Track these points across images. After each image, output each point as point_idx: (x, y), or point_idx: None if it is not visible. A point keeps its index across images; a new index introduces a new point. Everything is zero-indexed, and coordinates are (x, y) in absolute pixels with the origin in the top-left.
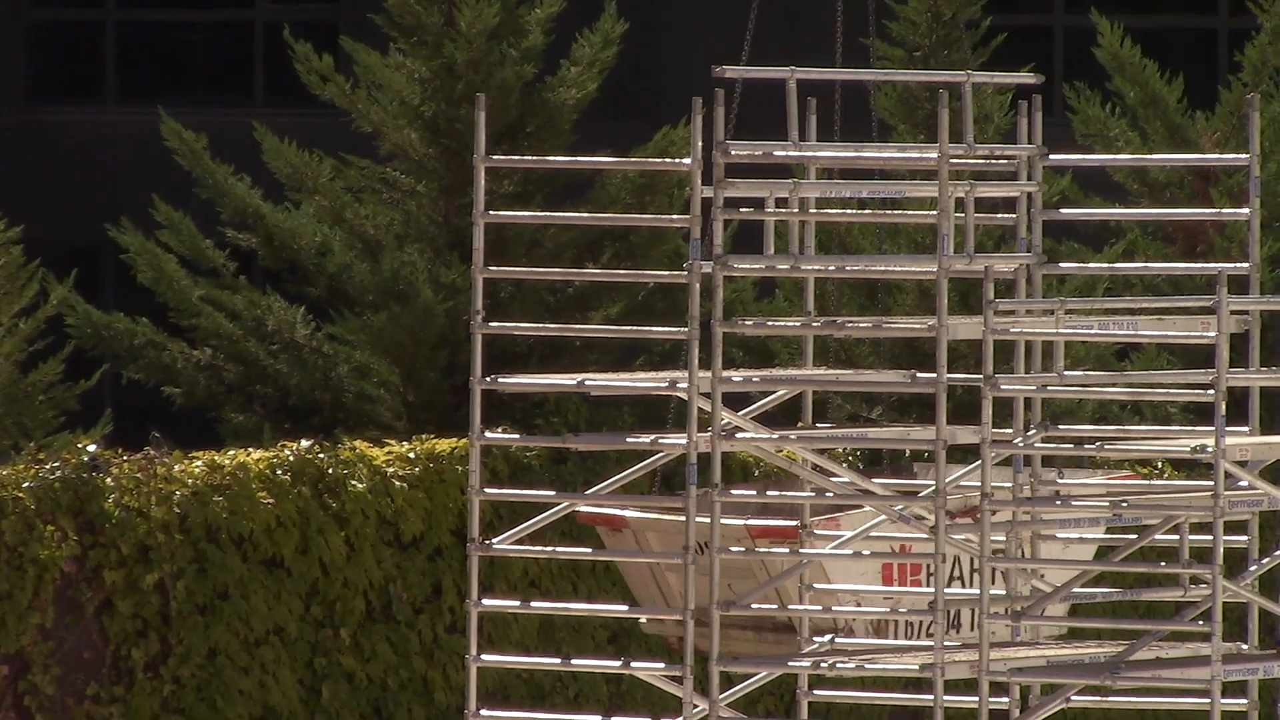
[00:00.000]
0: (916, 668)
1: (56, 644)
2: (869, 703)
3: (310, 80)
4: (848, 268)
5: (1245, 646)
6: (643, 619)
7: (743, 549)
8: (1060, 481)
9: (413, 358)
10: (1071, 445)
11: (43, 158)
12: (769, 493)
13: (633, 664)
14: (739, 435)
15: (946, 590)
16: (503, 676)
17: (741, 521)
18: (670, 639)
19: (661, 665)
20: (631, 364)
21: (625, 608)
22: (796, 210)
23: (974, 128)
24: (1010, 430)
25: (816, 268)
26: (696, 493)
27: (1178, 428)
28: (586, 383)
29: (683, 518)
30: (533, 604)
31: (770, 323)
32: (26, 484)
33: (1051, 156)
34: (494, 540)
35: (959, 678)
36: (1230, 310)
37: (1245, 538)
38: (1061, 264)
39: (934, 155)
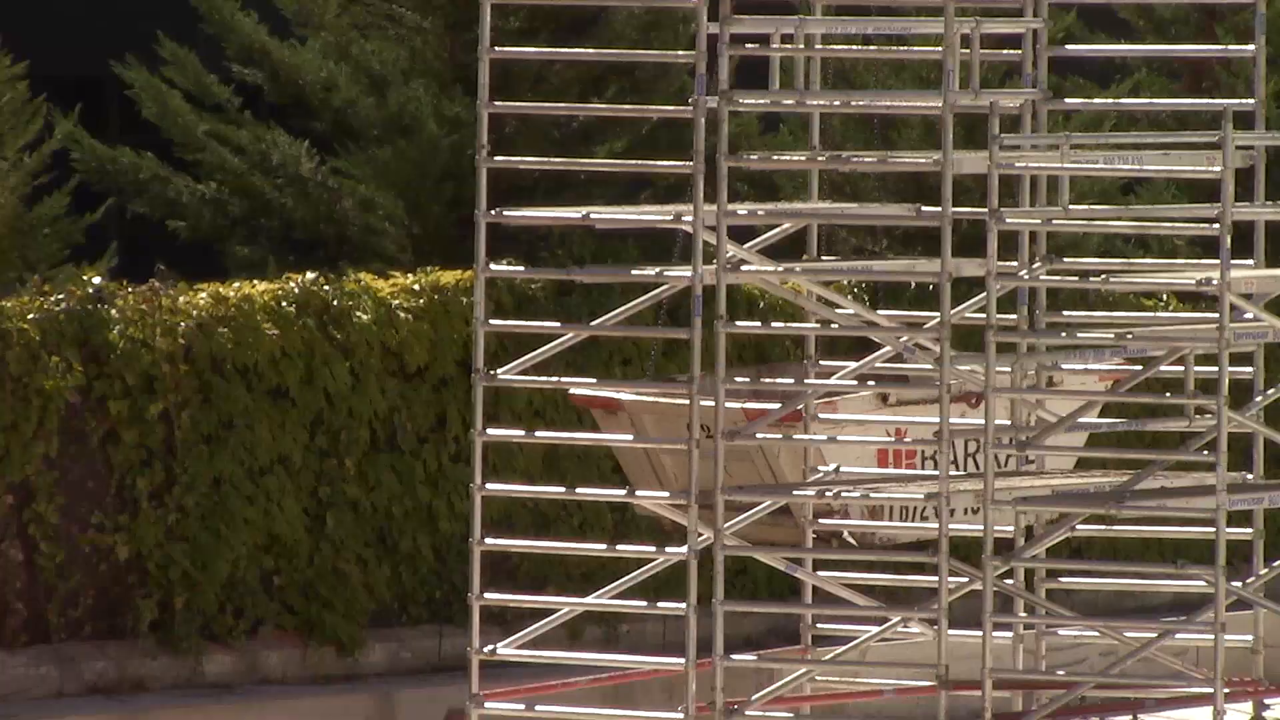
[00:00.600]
0: (922, 497)
1: (61, 473)
2: (874, 530)
3: None
4: (853, 103)
5: (1250, 476)
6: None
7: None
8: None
9: (418, 191)
10: (1076, 278)
11: None
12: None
13: (638, 492)
14: (744, 268)
15: (952, 421)
16: (507, 505)
17: (739, 405)
18: (664, 521)
19: (666, 494)
20: (637, 198)
21: (630, 437)
22: (802, 46)
23: None
24: (1015, 263)
25: (822, 102)
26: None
27: (1183, 261)
28: (591, 216)
29: (679, 400)
30: (537, 434)
31: (775, 157)
32: (32, 315)
33: None
34: (499, 371)
35: (964, 506)
36: (1235, 146)
37: (1250, 369)
38: (1067, 100)
39: None
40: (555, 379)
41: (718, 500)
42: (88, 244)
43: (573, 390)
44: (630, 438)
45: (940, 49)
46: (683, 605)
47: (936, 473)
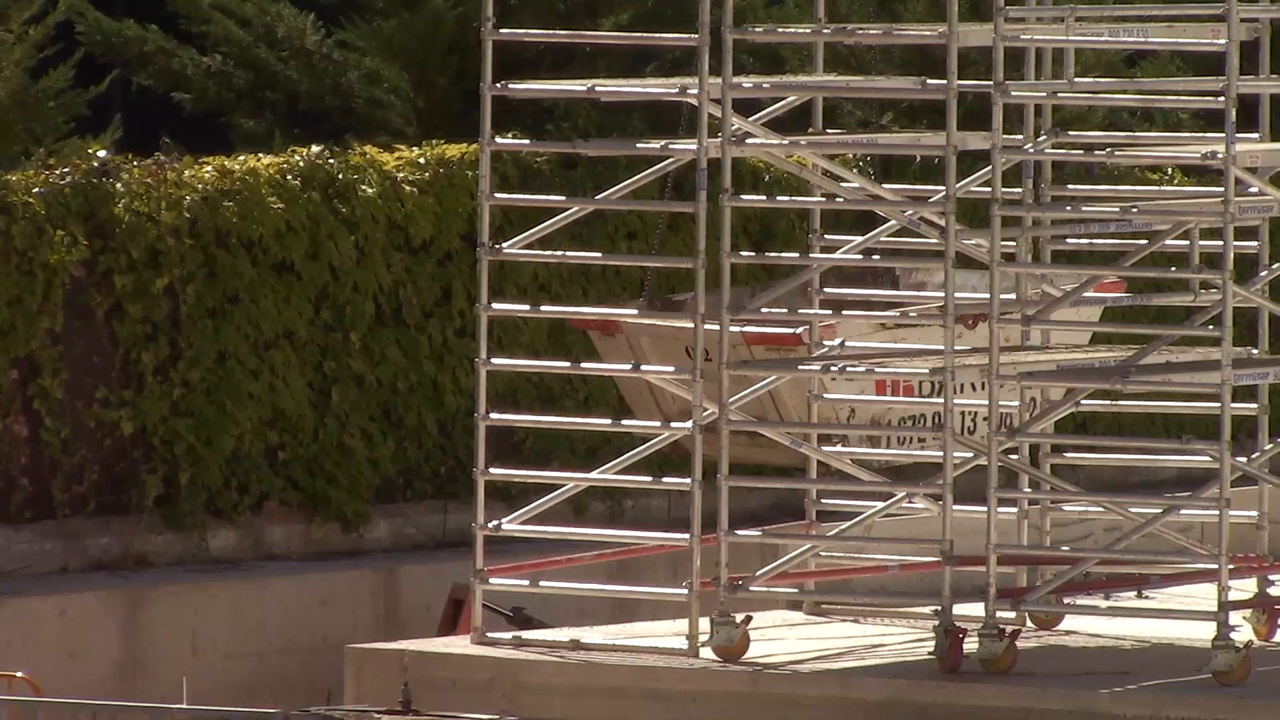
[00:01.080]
0: (927, 371)
1: (66, 348)
2: (878, 405)
3: None
4: None
5: (1255, 351)
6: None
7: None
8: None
9: (423, 64)
10: (1082, 151)
11: None
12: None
13: (643, 367)
14: (749, 141)
15: (957, 295)
16: (512, 380)
17: (738, 329)
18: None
19: (671, 369)
20: (642, 71)
21: (634, 312)
22: None
23: None
24: (1020, 136)
25: None
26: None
27: (1188, 134)
28: (597, 89)
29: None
30: (542, 308)
31: (780, 30)
32: (37, 189)
33: None
34: (504, 244)
35: (968, 381)
36: (1240, 18)
37: (1255, 243)
38: None
39: None
40: (560, 253)
41: (722, 375)
42: (92, 117)
43: (572, 314)
44: (634, 312)
45: None
46: (687, 480)
47: (941, 346)
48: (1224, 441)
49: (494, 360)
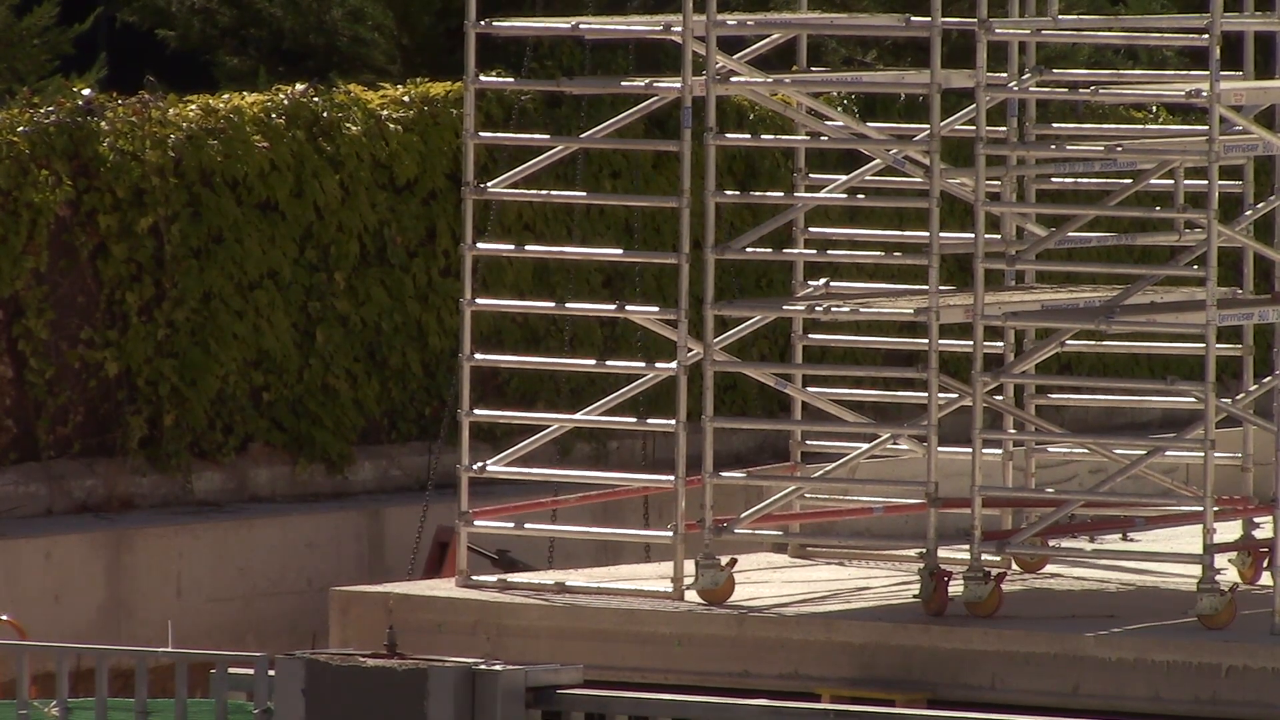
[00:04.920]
0: (911, 312)
1: (51, 288)
2: (864, 347)
3: None
4: None
5: (1240, 292)
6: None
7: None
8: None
9: (407, 1)
10: (1066, 89)
11: None
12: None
13: (627, 308)
14: (734, 79)
15: (942, 235)
16: (497, 320)
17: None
18: None
19: (656, 309)
20: (625, 8)
21: (620, 251)
22: None
23: None
24: (1005, 75)
25: None
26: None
27: (1172, 72)
28: (581, 26)
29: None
30: (527, 248)
31: None
32: (21, 128)
33: None
34: (488, 184)
35: (954, 322)
36: None
37: (1240, 183)
38: None
39: None
40: (545, 192)
41: (706, 315)
42: (77, 55)
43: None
44: (619, 251)
45: None
46: (672, 422)
47: (925, 287)
48: (1209, 382)
49: (478, 300)
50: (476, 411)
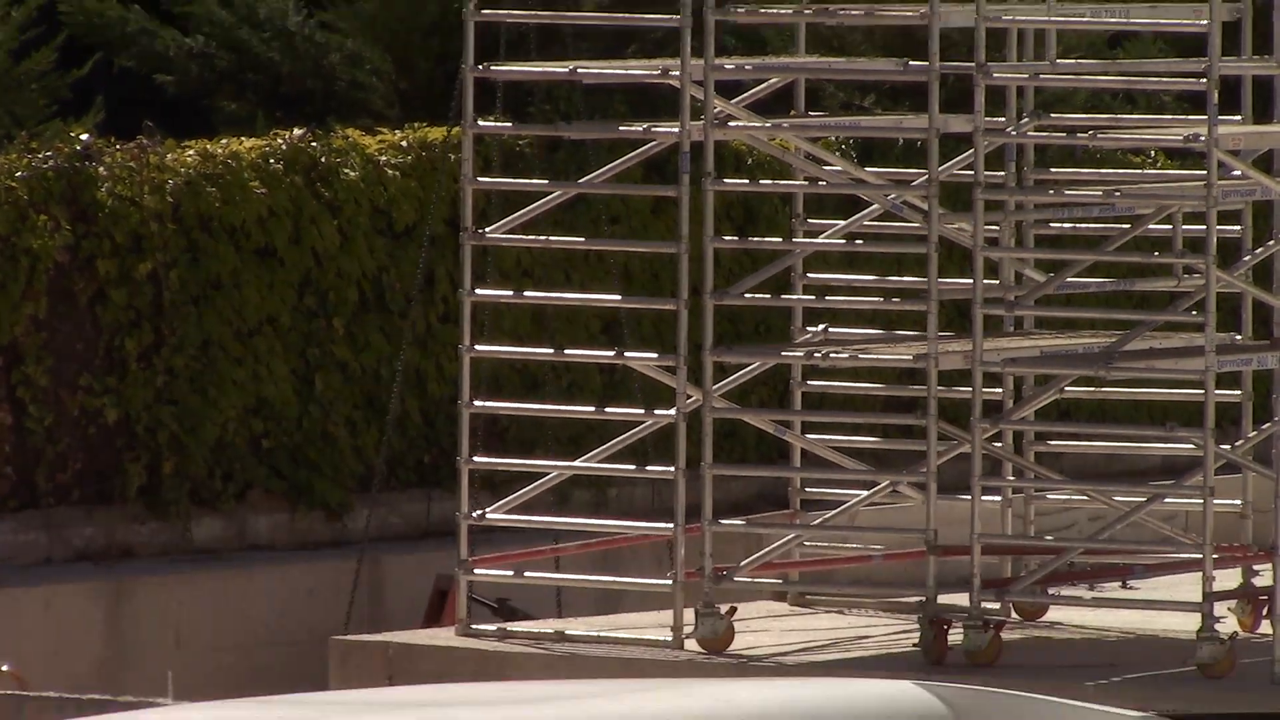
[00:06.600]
0: (910, 358)
1: (50, 335)
2: (863, 394)
3: None
4: None
5: (1239, 337)
6: None
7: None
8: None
9: (405, 45)
10: (1064, 134)
11: None
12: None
13: (626, 354)
14: (731, 124)
15: (941, 281)
16: (495, 367)
17: None
18: None
19: (655, 355)
20: (624, 52)
21: (618, 297)
22: None
23: None
24: (1003, 119)
25: None
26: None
27: (1170, 117)
28: (579, 70)
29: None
30: (526, 294)
31: (763, 10)
32: (19, 173)
33: None
34: (487, 229)
35: (952, 369)
36: None
37: (1238, 227)
38: None
39: None
40: (544, 238)
41: (705, 361)
42: (74, 99)
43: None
44: (618, 297)
45: None
46: (671, 469)
47: (924, 333)
48: (1208, 429)
49: (477, 346)
50: (476, 459)
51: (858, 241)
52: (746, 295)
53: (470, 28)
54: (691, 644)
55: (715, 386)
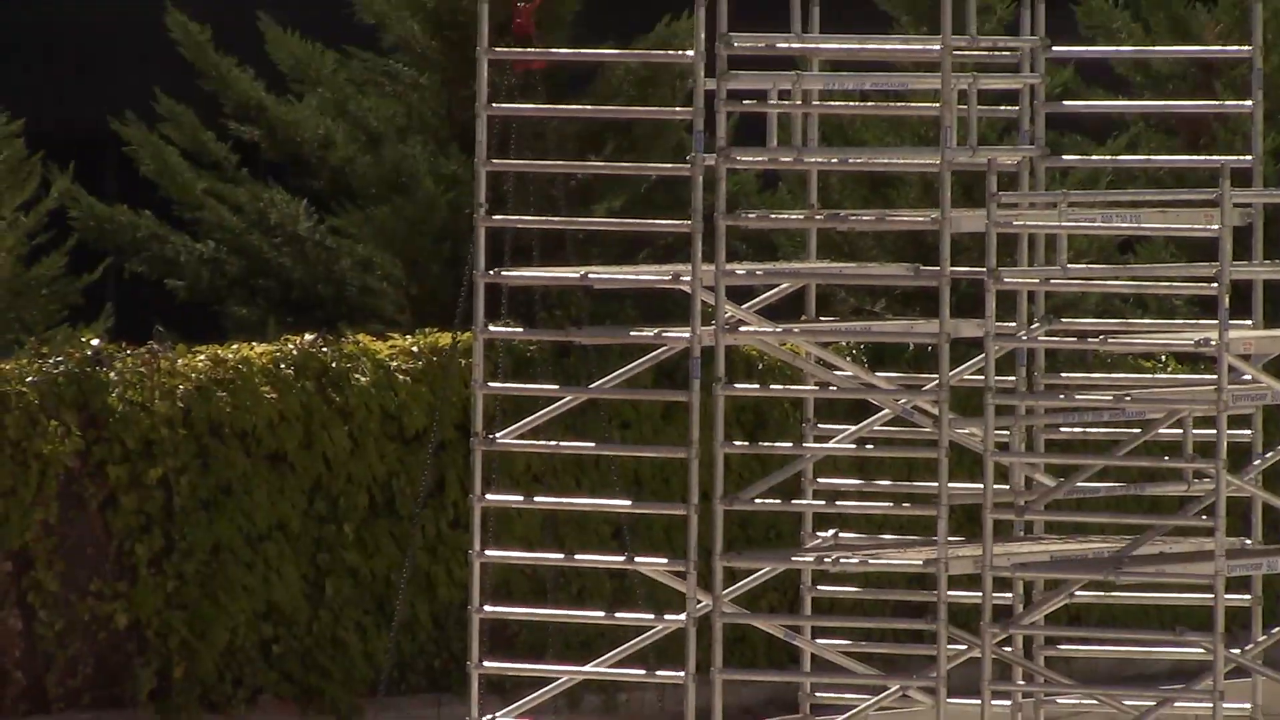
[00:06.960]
0: (920, 563)
1: (60, 540)
2: (872, 599)
3: None
4: (850, 160)
5: (1249, 541)
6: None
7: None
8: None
9: (415, 250)
10: (1075, 339)
11: (45, 49)
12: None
13: (636, 559)
14: (742, 329)
15: (951, 485)
16: (505, 572)
17: None
18: None
19: (665, 561)
20: (635, 257)
21: (629, 503)
22: (799, 102)
23: (976, 19)
24: (1013, 324)
25: (819, 160)
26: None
27: (1181, 321)
28: (589, 276)
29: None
30: (536, 499)
31: (773, 215)
32: (30, 378)
33: (1054, 48)
34: (497, 435)
35: (962, 573)
36: (1233, 203)
37: (1249, 432)
38: (1064, 157)
39: (937, 47)
40: (554, 443)
41: (715, 566)
42: (85, 304)
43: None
44: (628, 502)
45: (938, 105)
46: (681, 674)
47: (934, 538)
48: (1218, 634)
49: (487, 552)
50: (486, 663)
51: (868, 446)
52: (757, 500)
53: (481, 232)
54: None
55: (725, 591)
